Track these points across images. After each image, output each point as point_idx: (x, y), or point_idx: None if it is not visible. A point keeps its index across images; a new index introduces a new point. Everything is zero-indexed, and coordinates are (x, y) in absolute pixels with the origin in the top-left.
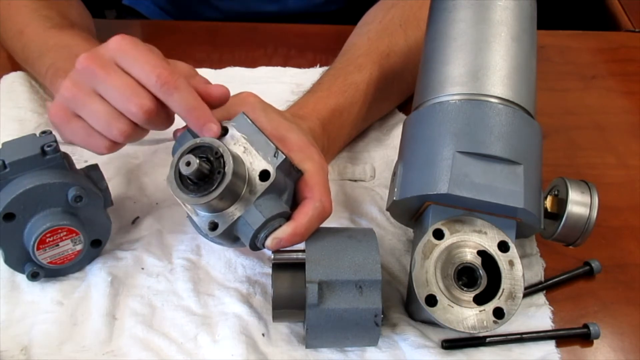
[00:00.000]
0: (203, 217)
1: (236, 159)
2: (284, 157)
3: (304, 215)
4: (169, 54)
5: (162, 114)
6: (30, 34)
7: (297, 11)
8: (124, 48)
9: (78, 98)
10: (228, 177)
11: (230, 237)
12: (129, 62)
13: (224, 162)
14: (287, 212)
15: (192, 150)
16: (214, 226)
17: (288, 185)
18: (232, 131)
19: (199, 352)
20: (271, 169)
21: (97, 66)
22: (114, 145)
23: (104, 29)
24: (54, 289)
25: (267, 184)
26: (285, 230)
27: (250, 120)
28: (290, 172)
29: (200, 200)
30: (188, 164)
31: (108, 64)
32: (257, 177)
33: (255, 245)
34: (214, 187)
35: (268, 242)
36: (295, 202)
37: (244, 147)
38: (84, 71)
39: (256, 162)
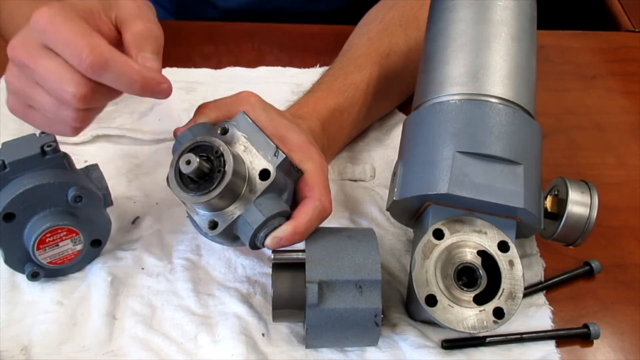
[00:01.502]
0: (203, 216)
1: (236, 158)
2: (284, 156)
3: (303, 215)
4: (170, 54)
5: (104, 92)
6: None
7: (296, 10)
8: (45, 28)
9: (21, 90)
10: (228, 176)
11: (230, 236)
12: (53, 43)
13: (224, 161)
14: (287, 212)
15: (193, 149)
16: (213, 225)
17: (288, 184)
18: (232, 130)
19: (199, 352)
20: (271, 168)
21: (22, 56)
22: (78, 129)
23: None
24: (54, 289)
25: (267, 183)
26: (285, 230)
27: (251, 119)
28: (291, 172)
29: (200, 199)
30: (188, 162)
31: (34, 50)
32: (257, 176)
33: (255, 245)
34: (214, 186)
35: (268, 241)
36: (295, 202)
37: (244, 146)
38: (15, 62)
39: (256, 161)
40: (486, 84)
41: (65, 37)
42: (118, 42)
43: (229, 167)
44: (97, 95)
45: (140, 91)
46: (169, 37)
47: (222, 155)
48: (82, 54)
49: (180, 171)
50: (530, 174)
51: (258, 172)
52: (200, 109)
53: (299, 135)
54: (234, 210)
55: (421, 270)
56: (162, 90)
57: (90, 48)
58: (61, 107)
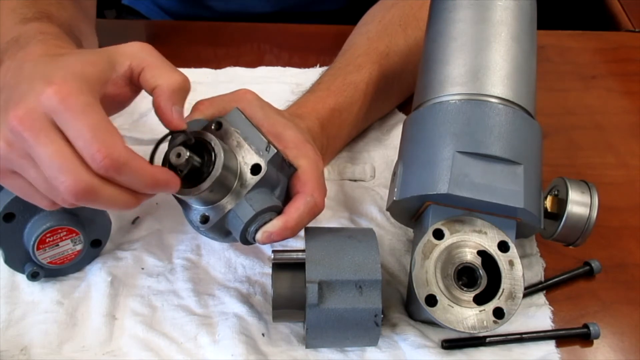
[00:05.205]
0: (195, 210)
1: (227, 152)
2: (276, 151)
3: (295, 210)
4: (169, 54)
5: (100, 194)
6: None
7: (293, 10)
8: (59, 109)
9: (12, 159)
10: (218, 170)
11: (222, 230)
12: (65, 127)
13: (214, 155)
14: (279, 207)
15: (184, 143)
16: (205, 219)
17: (281, 180)
18: (226, 126)
19: (199, 352)
20: (262, 163)
21: (24, 128)
22: (57, 206)
23: (104, 29)
24: (54, 289)
25: (258, 177)
26: (275, 224)
27: (244, 115)
28: (283, 167)
29: (191, 192)
30: (178, 155)
31: (38, 127)
32: (249, 171)
33: (246, 239)
34: (204, 179)
35: (258, 235)
36: (289, 198)
37: (237, 142)
38: (14, 132)
39: (248, 156)
40: (486, 84)
41: (81, 128)
42: (132, 93)
43: (219, 161)
44: (90, 195)
45: (148, 191)
46: (169, 38)
47: (213, 149)
48: (97, 154)
49: (170, 164)
50: (530, 174)
51: (250, 167)
52: (197, 105)
53: (295, 132)
54: (225, 204)
55: (421, 270)
56: (169, 189)
57: (107, 150)
58: (54, 189)
